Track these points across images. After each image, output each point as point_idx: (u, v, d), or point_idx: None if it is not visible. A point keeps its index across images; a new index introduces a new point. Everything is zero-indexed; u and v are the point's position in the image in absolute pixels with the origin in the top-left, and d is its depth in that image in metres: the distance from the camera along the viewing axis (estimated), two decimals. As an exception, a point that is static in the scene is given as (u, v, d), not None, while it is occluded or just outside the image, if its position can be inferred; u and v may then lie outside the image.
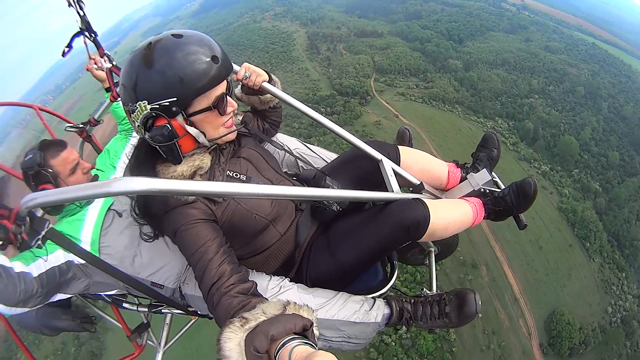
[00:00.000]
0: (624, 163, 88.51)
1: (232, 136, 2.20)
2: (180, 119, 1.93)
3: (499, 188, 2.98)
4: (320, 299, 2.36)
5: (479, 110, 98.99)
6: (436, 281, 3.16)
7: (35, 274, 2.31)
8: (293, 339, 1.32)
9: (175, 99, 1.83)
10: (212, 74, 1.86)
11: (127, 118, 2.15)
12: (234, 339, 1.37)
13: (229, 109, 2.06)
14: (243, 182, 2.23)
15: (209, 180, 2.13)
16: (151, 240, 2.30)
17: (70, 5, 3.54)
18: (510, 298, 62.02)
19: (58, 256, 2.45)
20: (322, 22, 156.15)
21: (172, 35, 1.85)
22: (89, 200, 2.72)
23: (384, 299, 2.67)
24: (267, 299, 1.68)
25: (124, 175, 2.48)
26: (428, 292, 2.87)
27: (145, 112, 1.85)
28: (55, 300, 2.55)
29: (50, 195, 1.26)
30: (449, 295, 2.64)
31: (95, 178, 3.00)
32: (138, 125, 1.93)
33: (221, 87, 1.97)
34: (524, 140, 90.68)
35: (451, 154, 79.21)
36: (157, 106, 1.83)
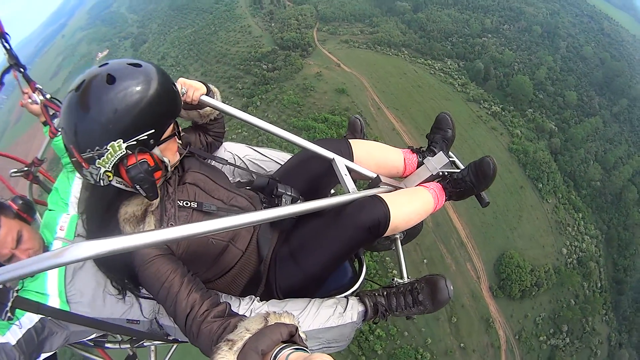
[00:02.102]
0: (582, 103, 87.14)
1: (177, 159, 2.15)
2: (157, 151, 1.88)
3: (457, 168, 3.02)
4: (293, 313, 2.07)
5: (426, 52, 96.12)
6: (406, 268, 3.00)
7: (13, 342, 2.30)
8: (283, 347, 1.35)
9: (153, 130, 1.78)
10: (178, 102, 1.90)
11: (77, 170, 1.89)
12: None
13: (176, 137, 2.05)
14: (193, 209, 2.19)
15: (161, 215, 2.10)
16: (120, 295, 2.27)
17: None
18: (457, 242, 61.53)
19: (31, 317, 2.44)
20: None
21: (132, 65, 1.77)
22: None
23: (356, 296, 2.69)
24: (245, 316, 1.70)
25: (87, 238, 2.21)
26: (399, 280, 2.81)
27: (119, 152, 1.72)
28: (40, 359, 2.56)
29: (4, 273, 1.24)
30: (420, 284, 2.63)
31: (45, 247, 2.85)
32: (106, 171, 1.78)
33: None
34: (474, 81, 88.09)
35: (394, 99, 78.50)
36: (135, 142, 1.74)
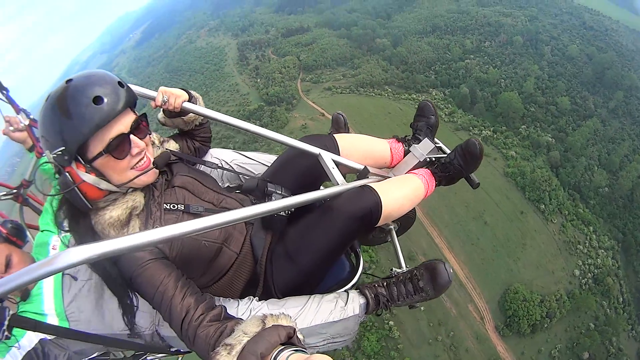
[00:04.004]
0: (576, 107, 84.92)
1: (149, 178, 2.15)
2: (74, 166, 1.93)
3: (444, 153, 3.08)
4: (293, 310, 2.38)
5: (410, 87, 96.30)
6: (403, 256, 3.11)
7: None
8: (282, 350, 1.37)
9: (63, 147, 1.83)
10: (94, 116, 1.83)
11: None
12: None
13: (134, 150, 2.01)
14: (181, 212, 2.23)
15: (146, 218, 2.16)
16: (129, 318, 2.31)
17: None
18: (456, 284, 58.76)
19: (30, 338, 2.45)
20: (252, 28, 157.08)
21: (65, 82, 1.88)
22: None
23: (356, 288, 2.71)
24: (242, 319, 1.74)
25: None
26: (398, 270, 2.87)
27: (51, 161, 1.90)
28: None
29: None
30: (419, 270, 2.67)
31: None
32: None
33: (116, 128, 1.93)
34: (462, 107, 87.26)
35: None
36: (54, 156, 1.85)
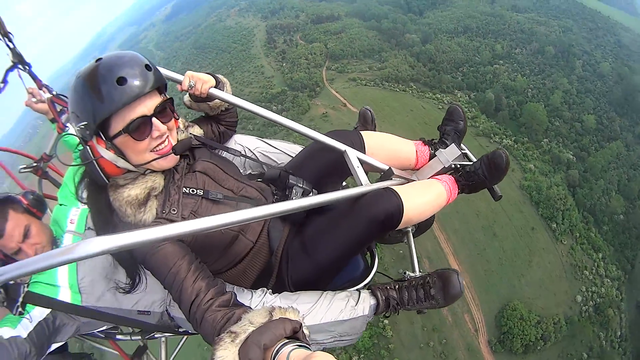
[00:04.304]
0: (602, 127, 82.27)
1: (167, 163, 2.17)
2: (95, 141, 1.99)
3: (470, 161, 3.04)
4: (305, 305, 2.40)
5: (435, 86, 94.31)
6: (417, 260, 3.10)
7: (24, 335, 2.40)
8: (286, 343, 1.38)
9: (85, 122, 1.88)
10: (116, 96, 1.85)
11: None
12: (227, 356, 1.43)
13: (155, 133, 2.02)
14: (200, 197, 2.26)
15: (164, 200, 2.19)
16: (129, 290, 2.36)
17: None
18: None
19: (42, 309, 2.55)
20: (283, 12, 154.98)
21: (95, 60, 1.92)
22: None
23: (368, 289, 2.72)
24: (250, 308, 1.78)
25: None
26: (411, 274, 2.85)
27: (75, 134, 1.99)
28: (51, 350, 2.66)
29: (13, 271, 1.33)
30: (432, 277, 2.68)
31: (55, 241, 2.92)
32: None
33: (138, 110, 1.94)
34: (485, 113, 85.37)
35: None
36: (77, 129, 1.92)
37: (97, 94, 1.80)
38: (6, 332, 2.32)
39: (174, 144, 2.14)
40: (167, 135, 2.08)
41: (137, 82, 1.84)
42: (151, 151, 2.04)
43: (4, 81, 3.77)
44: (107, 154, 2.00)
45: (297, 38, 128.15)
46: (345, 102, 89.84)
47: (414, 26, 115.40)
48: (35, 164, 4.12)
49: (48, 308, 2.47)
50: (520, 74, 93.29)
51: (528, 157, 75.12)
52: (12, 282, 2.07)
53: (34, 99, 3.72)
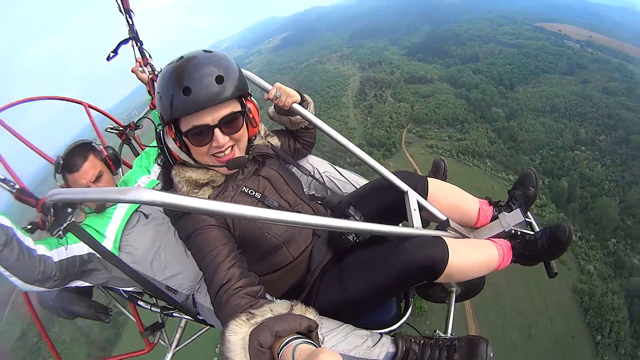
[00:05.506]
0: None
1: (223, 171, 2.31)
2: (167, 130, 2.18)
3: (532, 230, 2.93)
4: (322, 330, 2.10)
5: (510, 166, 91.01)
6: (453, 324, 2.98)
7: (56, 259, 2.54)
8: (297, 338, 1.34)
9: (162, 115, 2.06)
10: (178, 105, 1.96)
11: None
12: (239, 333, 1.42)
13: (214, 143, 2.11)
14: (257, 199, 2.36)
15: (219, 192, 2.33)
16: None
17: (121, 12, 3.78)
18: None
19: (81, 246, 2.69)
20: (380, 66, 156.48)
21: (177, 58, 2.03)
22: None
23: (391, 336, 2.56)
24: (275, 301, 1.75)
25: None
26: (441, 334, 2.71)
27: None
28: (74, 286, 2.81)
29: (70, 193, 1.48)
30: (460, 342, 2.44)
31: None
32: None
33: (202, 119, 2.03)
34: (555, 202, 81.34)
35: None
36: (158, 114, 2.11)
37: (167, 97, 1.94)
38: (41, 249, 2.46)
39: (238, 154, 2.23)
40: (231, 146, 2.18)
41: (202, 95, 1.91)
42: (212, 155, 2.16)
43: (115, 52, 3.95)
44: (172, 145, 2.20)
45: (388, 95, 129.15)
46: (417, 168, 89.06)
47: (502, 100, 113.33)
48: (121, 128, 4.37)
49: (87, 244, 2.62)
50: (601, 163, 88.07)
51: (590, 257, 70.34)
52: (63, 207, 2.31)
53: (140, 68, 4.05)
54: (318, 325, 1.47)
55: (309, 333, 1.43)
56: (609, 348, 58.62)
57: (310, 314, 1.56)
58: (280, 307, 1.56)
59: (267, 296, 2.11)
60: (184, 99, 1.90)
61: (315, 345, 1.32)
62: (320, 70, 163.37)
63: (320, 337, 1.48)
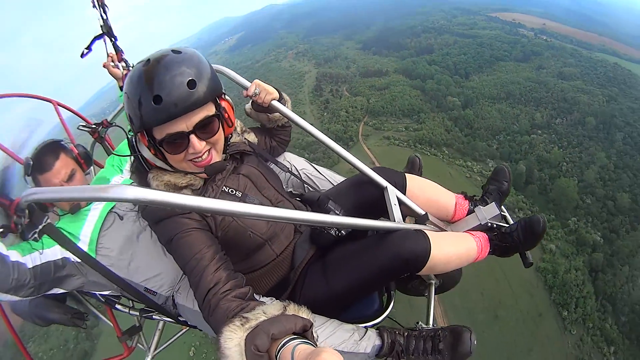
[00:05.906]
0: (636, 206, 76.60)
1: (202, 175, 2.28)
2: (139, 137, 2.10)
3: (507, 223, 3.03)
4: None
5: (467, 153, 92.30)
6: (433, 315, 3.08)
7: (30, 265, 2.44)
8: (294, 338, 1.34)
9: (131, 122, 1.97)
10: (150, 114, 1.88)
11: None
12: (234, 339, 1.39)
13: (190, 150, 2.06)
14: (238, 198, 2.33)
15: (200, 194, 2.25)
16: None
17: (94, 6, 3.78)
18: None
19: (55, 251, 2.60)
20: (335, 61, 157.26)
21: (144, 61, 1.91)
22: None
23: (376, 329, 2.69)
24: (265, 302, 1.75)
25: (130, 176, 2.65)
26: (424, 325, 2.84)
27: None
28: (49, 294, 2.70)
29: (48, 192, 1.40)
30: (444, 332, 2.61)
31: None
32: None
33: (175, 126, 1.96)
34: (514, 185, 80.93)
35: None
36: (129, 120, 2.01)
37: (137, 105, 1.83)
38: (14, 255, 2.36)
39: (215, 157, 2.20)
40: (208, 150, 2.13)
41: (174, 102, 1.82)
42: (189, 160, 2.10)
43: (89, 48, 3.95)
44: (146, 152, 2.12)
45: (344, 89, 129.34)
46: (374, 160, 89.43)
47: (457, 89, 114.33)
48: (94, 126, 4.24)
49: (65, 248, 2.52)
50: (557, 145, 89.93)
51: (551, 237, 71.26)
52: (38, 209, 2.18)
53: (112, 63, 4.04)
54: (313, 324, 1.47)
55: (304, 332, 1.43)
56: (577, 323, 60.14)
57: (304, 313, 1.55)
58: (273, 308, 1.54)
59: (256, 296, 2.12)
60: (155, 108, 1.81)
61: (312, 345, 1.32)
62: (276, 69, 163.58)
63: (315, 335, 1.48)
